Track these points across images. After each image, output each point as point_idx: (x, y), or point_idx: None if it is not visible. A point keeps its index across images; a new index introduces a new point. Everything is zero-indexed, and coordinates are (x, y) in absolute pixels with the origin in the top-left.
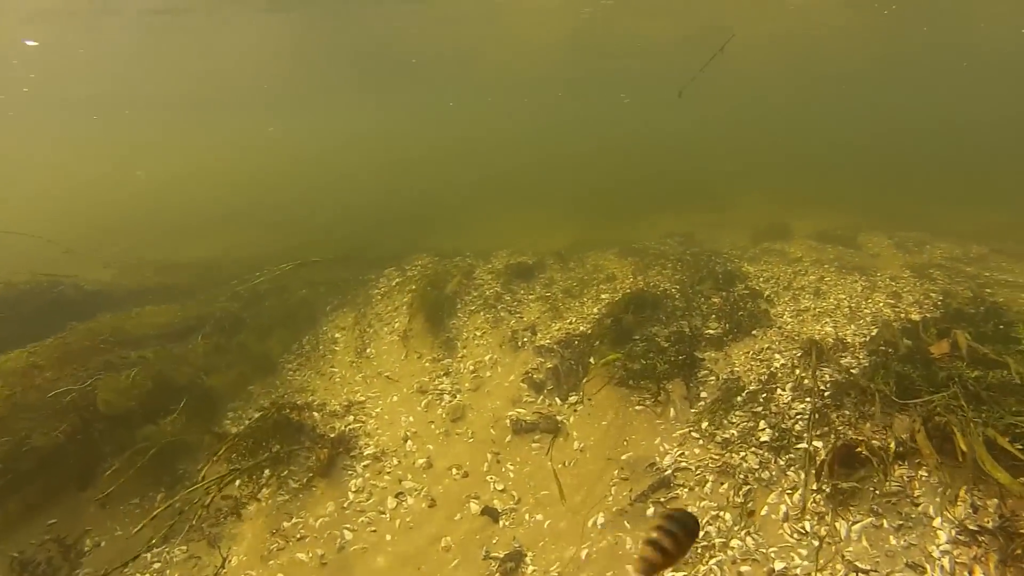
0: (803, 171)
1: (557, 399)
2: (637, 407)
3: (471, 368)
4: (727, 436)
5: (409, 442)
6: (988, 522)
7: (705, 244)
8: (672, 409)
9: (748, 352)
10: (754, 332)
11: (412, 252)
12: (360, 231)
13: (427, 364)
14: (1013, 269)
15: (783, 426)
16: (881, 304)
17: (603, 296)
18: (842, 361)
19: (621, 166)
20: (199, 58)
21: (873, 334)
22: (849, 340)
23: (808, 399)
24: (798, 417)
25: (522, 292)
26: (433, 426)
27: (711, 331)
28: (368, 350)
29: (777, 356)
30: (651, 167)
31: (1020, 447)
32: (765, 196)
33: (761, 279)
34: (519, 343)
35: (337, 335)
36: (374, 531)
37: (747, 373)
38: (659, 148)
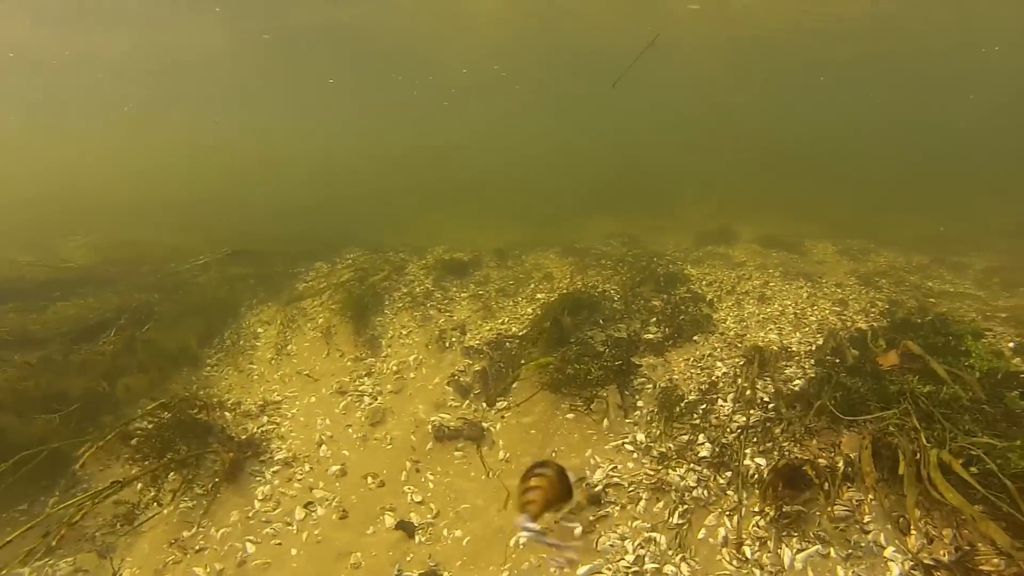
0: (750, 177)
1: (484, 404)
2: (568, 415)
3: (394, 369)
4: (663, 450)
5: (324, 447)
6: (944, 555)
7: (648, 246)
8: (606, 419)
9: (688, 359)
10: (695, 338)
11: (348, 245)
12: (300, 226)
13: (349, 363)
14: (953, 279)
15: (724, 441)
16: (827, 311)
17: (539, 296)
18: (787, 371)
19: (570, 169)
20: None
21: (819, 343)
22: (794, 348)
23: (751, 411)
24: (740, 431)
25: (454, 290)
26: (351, 430)
27: (650, 335)
28: (289, 346)
29: (719, 364)
30: (600, 171)
31: (975, 471)
32: (712, 201)
33: (704, 282)
34: (447, 343)
35: (260, 330)
36: (279, 544)
37: (687, 382)
38: (609, 152)
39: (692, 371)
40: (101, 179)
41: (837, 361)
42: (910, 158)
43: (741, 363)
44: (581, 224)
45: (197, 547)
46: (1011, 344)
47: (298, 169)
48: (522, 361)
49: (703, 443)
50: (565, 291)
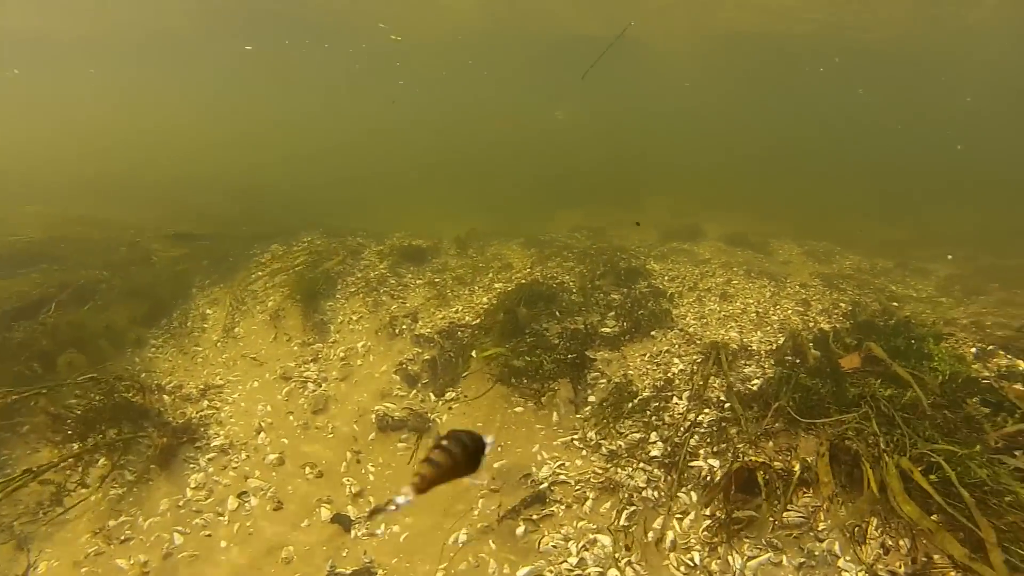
0: (720, 175)
1: (431, 395)
2: (518, 408)
3: (341, 355)
4: (614, 448)
5: (263, 434)
6: (900, 566)
7: (613, 240)
8: (555, 413)
9: (645, 355)
10: (653, 333)
11: (307, 229)
12: (260, 207)
13: (296, 348)
14: (916, 284)
15: (676, 440)
16: (790, 311)
17: (496, 286)
18: (746, 370)
19: (542, 161)
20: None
21: (780, 342)
22: (755, 347)
23: (706, 410)
24: (694, 431)
25: (409, 276)
26: (292, 417)
27: (607, 329)
28: (237, 329)
29: (676, 360)
30: (571, 164)
31: (935, 479)
32: (679, 198)
33: (666, 278)
34: (397, 330)
35: (208, 311)
36: (208, 536)
37: (642, 378)
38: (580, 146)
39: (648, 367)
40: (62, 153)
41: (798, 361)
42: (880, 162)
43: (699, 360)
44: (549, 215)
45: (122, 537)
46: (973, 350)
47: (268, 151)
48: (473, 352)
49: (655, 442)
50: (523, 281)
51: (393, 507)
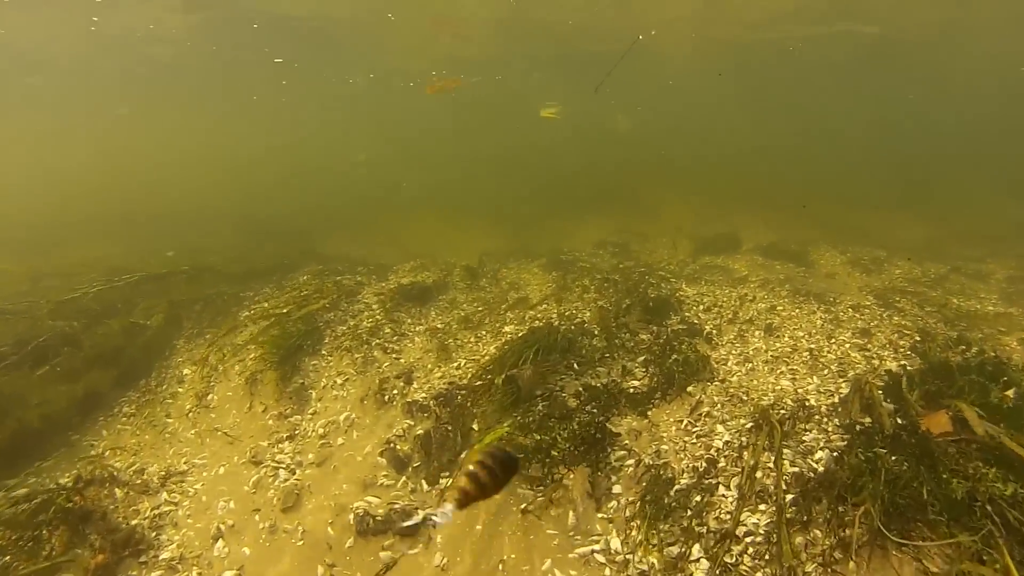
0: (748, 178)
1: (423, 482)
2: (525, 505)
3: (320, 431)
4: (645, 568)
5: (221, 542)
6: None
7: (640, 256)
8: (572, 512)
9: (681, 421)
10: (690, 389)
11: (306, 261)
12: (262, 238)
13: (271, 421)
14: (976, 291)
15: (727, 560)
16: (848, 346)
17: (506, 329)
18: (806, 437)
19: (563, 169)
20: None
21: (843, 392)
22: (813, 402)
23: (762, 507)
24: (748, 542)
25: (409, 322)
26: (258, 517)
27: (634, 385)
28: (211, 395)
29: (719, 428)
30: (594, 171)
31: None
32: (706, 200)
33: (701, 307)
34: (387, 396)
35: (187, 371)
36: None
37: (678, 455)
38: (603, 151)
39: (685, 439)
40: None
41: (869, 423)
42: (912, 156)
43: (747, 426)
44: (572, 230)
45: None
46: None
47: (266, 177)
48: (474, 424)
49: (698, 558)
50: (538, 322)
51: (432, 523)
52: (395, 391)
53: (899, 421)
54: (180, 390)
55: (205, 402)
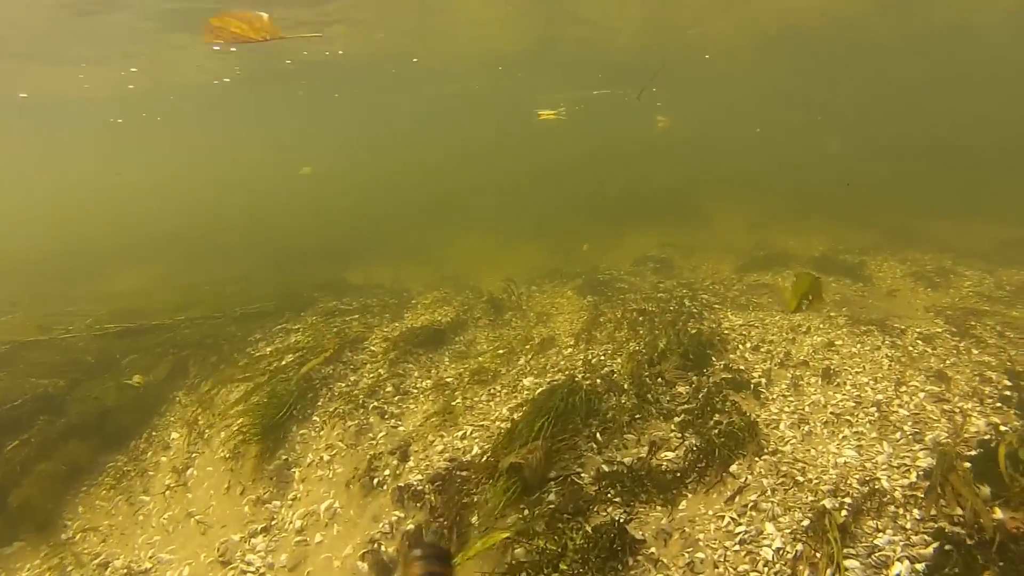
0: (790, 179)
1: None
2: None
3: (298, 524)
4: None
5: None
6: None
7: (683, 273)
8: None
9: (722, 517)
10: (733, 469)
11: (323, 297)
12: (289, 267)
13: (247, 508)
14: None
15: None
16: (922, 396)
17: (525, 382)
18: (879, 540)
19: (601, 179)
20: None
21: (922, 465)
22: (885, 483)
23: None
24: None
25: (416, 375)
26: None
27: (667, 459)
28: (191, 469)
29: (768, 529)
30: (633, 179)
31: None
32: (752, 209)
33: (748, 346)
34: (377, 479)
35: (175, 435)
36: None
37: (716, 568)
38: (641, 158)
39: (726, 544)
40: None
41: (961, 517)
42: (972, 150)
43: (804, 524)
44: (613, 244)
45: None
46: None
47: (306, 199)
48: (474, 517)
49: None
50: (561, 373)
51: None
52: (387, 471)
53: (998, 515)
54: (164, 459)
55: (184, 477)
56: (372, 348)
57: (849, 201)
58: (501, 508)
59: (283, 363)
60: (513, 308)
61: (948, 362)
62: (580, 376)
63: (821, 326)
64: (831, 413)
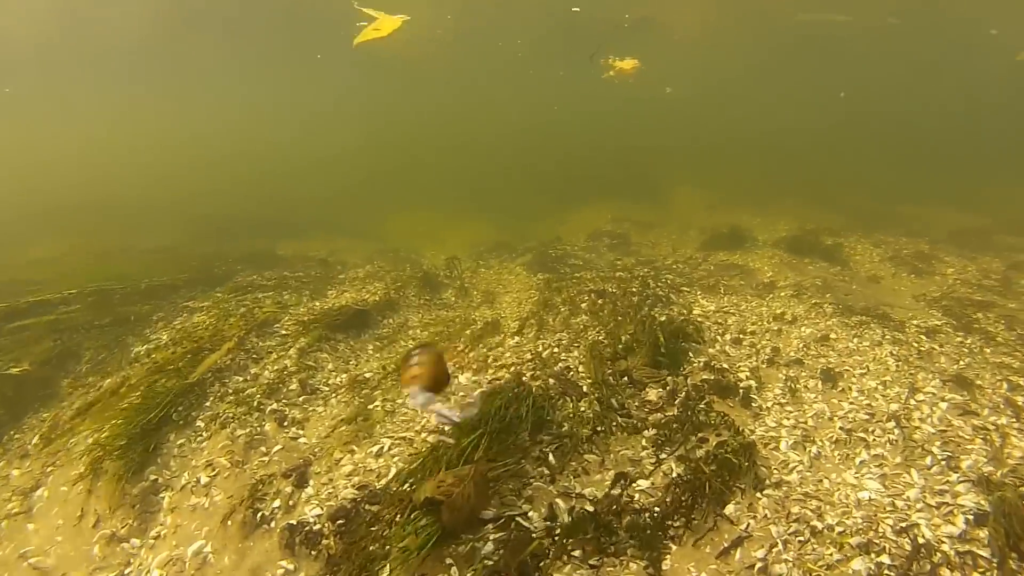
0: (750, 157)
1: None
2: None
3: (156, 575)
4: None
5: None
6: None
7: (642, 250)
8: None
9: None
10: (729, 508)
11: (242, 268)
12: (216, 238)
13: (97, 548)
14: None
15: None
16: (944, 407)
17: (461, 379)
18: None
19: (556, 150)
20: None
21: (965, 504)
22: (925, 530)
23: None
24: None
25: (330, 367)
26: None
27: (642, 490)
28: (41, 490)
29: None
30: (590, 151)
31: None
32: (709, 186)
33: (728, 338)
34: (263, 512)
35: (35, 440)
36: None
37: None
38: (593, 129)
39: None
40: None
41: None
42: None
43: None
44: (565, 217)
45: None
46: None
47: (246, 170)
48: (384, 568)
49: None
50: (506, 369)
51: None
52: (277, 501)
53: None
54: (16, 472)
55: (30, 501)
56: (283, 332)
57: (812, 181)
58: (416, 564)
59: (167, 356)
60: (455, 286)
61: (962, 363)
62: (529, 374)
63: (808, 315)
64: (840, 428)
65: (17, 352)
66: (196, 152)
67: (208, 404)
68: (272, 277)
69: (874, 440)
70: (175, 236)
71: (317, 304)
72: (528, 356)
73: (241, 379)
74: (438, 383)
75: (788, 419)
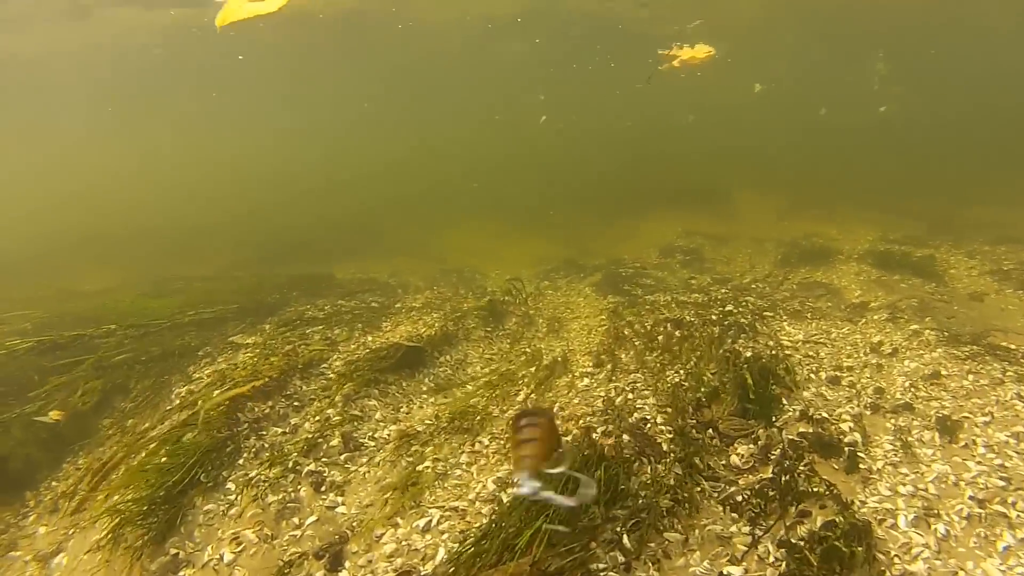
0: (809, 160)
1: None
2: None
3: None
4: None
5: None
6: None
7: (717, 265)
8: None
9: None
10: None
11: (297, 299)
12: (272, 262)
13: None
14: None
15: None
16: None
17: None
18: None
19: (613, 159)
20: None
21: None
22: None
23: None
24: None
25: (379, 416)
26: None
27: None
28: (61, 556)
29: None
30: (646, 160)
31: None
32: (774, 192)
33: (822, 376)
34: None
35: (65, 491)
36: None
37: None
38: (651, 136)
39: None
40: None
41: None
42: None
43: None
44: (635, 228)
45: None
46: None
47: (288, 185)
48: None
49: None
50: (575, 423)
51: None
52: None
53: None
54: (43, 530)
55: (49, 568)
56: (330, 374)
57: (881, 185)
58: None
59: (206, 407)
60: (518, 313)
61: None
62: (600, 429)
63: (909, 345)
64: (971, 498)
65: (60, 390)
66: (249, 173)
67: (241, 462)
68: (325, 306)
69: (1018, 517)
70: (228, 261)
71: (369, 339)
72: (599, 403)
73: (280, 431)
74: (550, 454)
75: (904, 484)
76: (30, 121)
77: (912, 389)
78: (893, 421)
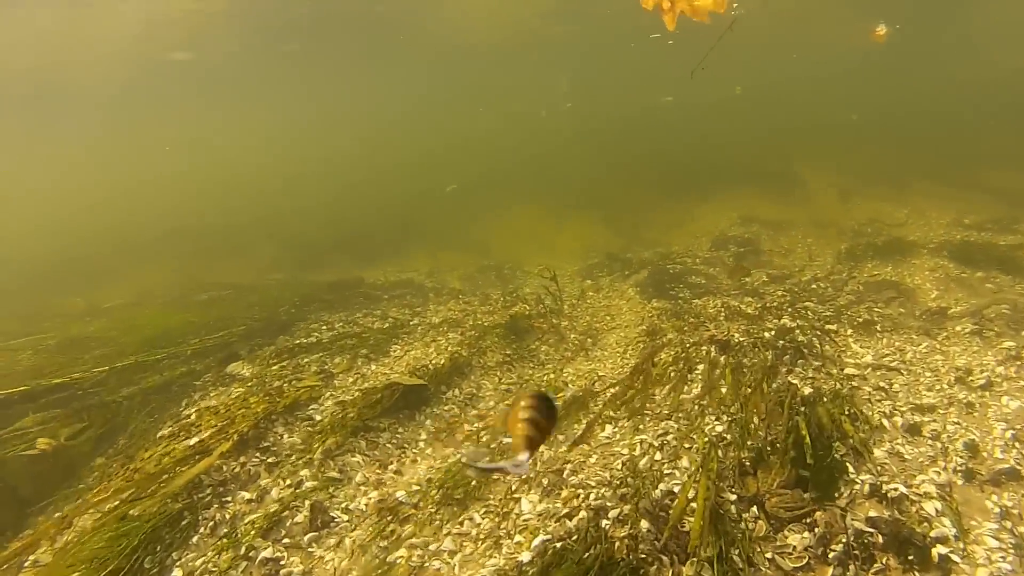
0: (873, 136)
1: None
2: None
3: None
4: None
5: None
6: None
7: (773, 260)
8: None
9: None
10: None
11: (315, 312)
12: (304, 266)
13: None
14: None
15: None
16: None
17: (522, 508)
18: None
19: (670, 140)
20: None
21: None
22: None
23: None
24: None
25: (359, 479)
26: None
27: None
28: None
29: None
30: (705, 141)
31: None
32: (838, 169)
33: (898, 423)
34: None
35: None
36: None
37: None
38: (710, 117)
39: None
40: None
41: None
42: None
43: None
44: (690, 212)
45: None
46: None
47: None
48: None
49: None
50: (587, 506)
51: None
52: None
53: None
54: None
55: None
56: (317, 416)
57: (949, 159)
58: None
59: (171, 454)
60: (547, 328)
61: None
62: (615, 512)
63: (1007, 373)
64: None
65: (49, 426)
66: (290, 170)
67: (195, 540)
68: (336, 323)
69: None
70: (268, 261)
71: (373, 368)
72: (619, 465)
73: (246, 496)
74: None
75: None
76: (73, 124)
77: (1017, 445)
78: (994, 497)
